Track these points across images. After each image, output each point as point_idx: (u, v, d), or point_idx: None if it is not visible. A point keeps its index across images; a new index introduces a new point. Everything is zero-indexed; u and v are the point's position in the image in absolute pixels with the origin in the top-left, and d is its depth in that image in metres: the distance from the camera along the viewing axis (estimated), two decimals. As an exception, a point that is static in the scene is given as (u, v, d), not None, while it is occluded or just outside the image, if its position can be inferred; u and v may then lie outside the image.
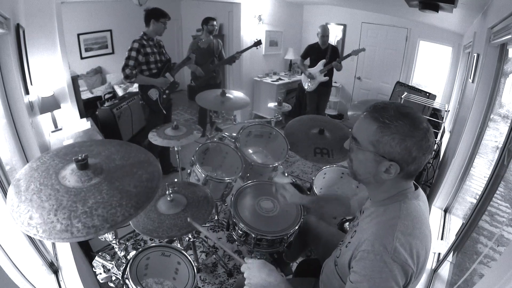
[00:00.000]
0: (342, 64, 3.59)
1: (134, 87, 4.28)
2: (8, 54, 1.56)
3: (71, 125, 2.54)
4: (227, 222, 1.47)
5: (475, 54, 2.08)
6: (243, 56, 3.64)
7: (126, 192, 0.86)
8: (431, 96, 3.67)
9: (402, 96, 3.17)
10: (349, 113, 2.40)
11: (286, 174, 2.59)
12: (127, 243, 2.19)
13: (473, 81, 2.04)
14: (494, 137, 2.03)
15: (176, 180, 1.73)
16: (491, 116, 1.92)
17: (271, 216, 1.41)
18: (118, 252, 1.18)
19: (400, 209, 0.77)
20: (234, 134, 2.08)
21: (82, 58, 4.68)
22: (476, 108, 1.91)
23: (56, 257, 1.50)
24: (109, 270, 1.19)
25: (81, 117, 2.78)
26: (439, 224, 2.14)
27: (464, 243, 1.61)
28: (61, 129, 2.48)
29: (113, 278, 1.21)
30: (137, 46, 2.45)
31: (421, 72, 4.30)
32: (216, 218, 2.36)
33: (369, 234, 0.76)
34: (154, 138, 1.92)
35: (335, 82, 4.62)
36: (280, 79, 4.76)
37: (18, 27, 1.74)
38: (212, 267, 2.06)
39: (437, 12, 2.38)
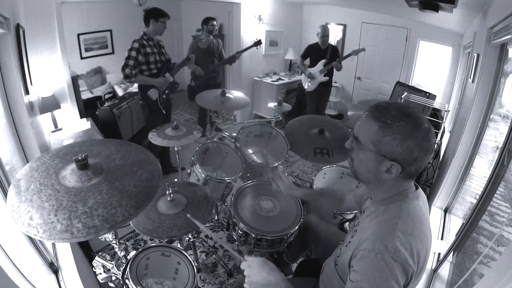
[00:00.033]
0: (342, 64, 3.59)
1: (134, 87, 4.28)
2: (8, 54, 1.56)
3: (71, 125, 2.54)
4: (227, 222, 1.47)
5: (475, 54, 2.08)
6: (243, 56, 3.63)
7: (126, 192, 0.86)
8: (431, 96, 3.67)
9: (402, 96, 3.17)
10: (349, 113, 2.41)
11: (286, 174, 2.58)
12: (127, 243, 2.19)
13: (473, 81, 2.04)
14: (494, 137, 2.03)
15: (176, 180, 1.73)
16: (491, 116, 1.92)
17: (271, 216, 1.41)
18: (118, 252, 1.18)
19: (401, 208, 0.77)
20: (234, 134, 2.08)
21: (82, 58, 4.68)
22: (476, 108, 1.91)
23: (56, 257, 1.50)
24: (109, 270, 1.19)
25: (81, 117, 2.78)
26: (439, 224, 2.14)
27: (464, 243, 1.61)
28: (61, 129, 2.48)
29: (113, 278, 1.21)
30: (137, 46, 2.45)
31: (421, 72, 4.30)
32: (216, 218, 2.36)
33: (370, 233, 0.76)
34: (154, 138, 1.92)
35: (335, 82, 4.62)
36: (280, 79, 4.76)
37: (18, 27, 1.74)
38: (212, 267, 2.06)
39: (437, 12, 2.38)
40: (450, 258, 1.64)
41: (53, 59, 2.40)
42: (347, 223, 1.60)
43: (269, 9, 4.51)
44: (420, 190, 0.84)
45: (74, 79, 2.79)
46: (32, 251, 1.30)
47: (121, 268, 1.17)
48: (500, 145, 1.52)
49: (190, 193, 1.49)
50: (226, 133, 2.21)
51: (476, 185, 2.09)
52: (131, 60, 2.44)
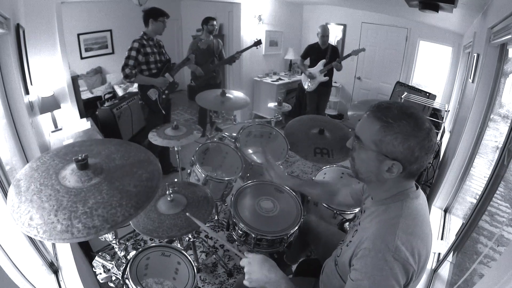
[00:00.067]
0: (342, 64, 3.59)
1: (134, 87, 4.28)
2: (8, 54, 1.56)
3: (71, 125, 2.54)
4: (227, 222, 1.47)
5: (475, 54, 2.08)
6: (243, 56, 3.64)
7: (126, 192, 0.86)
8: (431, 96, 3.67)
9: (402, 96, 3.17)
10: (349, 113, 2.40)
11: (286, 174, 2.58)
12: (127, 243, 2.19)
13: (473, 81, 2.04)
14: (494, 137, 2.03)
15: (176, 180, 1.73)
16: (491, 116, 1.92)
17: (271, 216, 1.41)
18: (118, 252, 1.18)
19: (402, 208, 0.77)
20: (234, 134, 2.08)
21: (82, 58, 4.68)
22: (476, 108, 1.91)
23: (56, 257, 1.50)
24: (109, 270, 1.19)
25: (81, 117, 2.78)
26: (439, 224, 2.14)
27: (464, 243, 1.61)
28: (61, 129, 2.48)
29: (113, 278, 1.21)
30: (137, 46, 2.45)
31: (421, 72, 4.30)
32: (216, 218, 2.36)
33: (371, 233, 0.76)
34: (154, 138, 1.92)
35: (335, 82, 4.62)
36: (280, 79, 4.76)
37: (18, 27, 1.74)
38: (212, 267, 2.06)
39: (437, 12, 2.38)
40: (450, 258, 1.64)
41: (53, 59, 2.40)
42: (347, 223, 1.60)
43: (269, 9, 4.51)
44: (420, 189, 0.85)
45: (74, 79, 2.79)
46: (32, 251, 1.30)
47: (121, 268, 1.17)
48: (500, 145, 1.52)
49: (190, 193, 1.49)
50: (226, 133, 2.21)
51: (476, 185, 2.09)
52: (131, 60, 2.44)
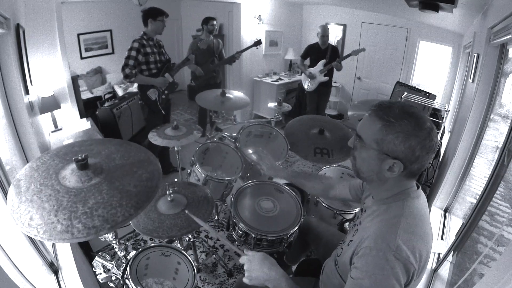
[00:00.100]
0: (342, 64, 3.59)
1: (134, 87, 4.28)
2: (8, 54, 1.56)
3: (71, 125, 2.54)
4: (227, 222, 1.47)
5: (475, 54, 2.08)
6: (243, 56, 3.64)
7: (126, 192, 0.86)
8: (431, 96, 3.67)
9: (402, 96, 3.17)
10: (349, 113, 2.40)
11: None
12: (127, 243, 2.20)
13: (473, 81, 2.04)
14: (494, 137, 2.03)
15: (176, 180, 1.73)
16: (491, 116, 1.92)
17: (271, 216, 1.41)
18: (118, 252, 1.18)
19: (403, 207, 0.77)
20: (234, 134, 2.08)
21: (82, 58, 4.68)
22: (476, 108, 1.91)
23: (56, 257, 1.50)
24: (109, 270, 1.19)
25: (81, 117, 2.78)
26: (439, 224, 2.14)
27: (464, 243, 1.61)
28: (61, 129, 2.48)
29: (113, 278, 1.21)
30: (137, 46, 2.45)
31: (421, 72, 4.29)
32: (216, 218, 2.36)
33: (372, 232, 0.76)
34: (154, 138, 1.92)
35: (335, 82, 4.62)
36: (280, 79, 4.76)
37: (18, 27, 1.74)
38: (212, 267, 2.06)
39: (437, 12, 2.37)
40: (450, 258, 1.64)
41: (53, 59, 2.40)
42: (347, 223, 1.60)
43: (269, 9, 4.51)
44: (421, 189, 0.85)
45: (74, 79, 2.79)
46: (32, 251, 1.30)
47: (121, 268, 1.17)
48: (500, 145, 1.52)
49: (190, 193, 1.49)
50: (226, 133, 2.21)
51: (476, 185, 2.09)
52: (131, 59, 2.44)
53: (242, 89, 4.32)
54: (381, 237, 0.72)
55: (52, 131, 2.43)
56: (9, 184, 1.13)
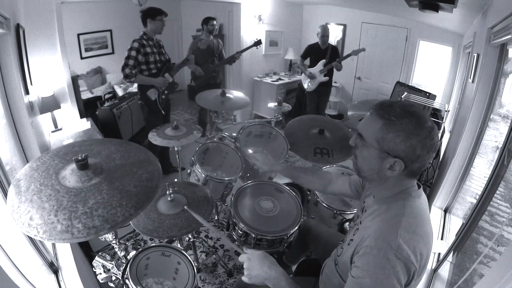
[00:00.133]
0: (342, 64, 3.59)
1: (134, 87, 4.28)
2: (8, 54, 1.56)
3: (71, 125, 2.54)
4: (227, 222, 1.47)
5: (475, 54, 2.08)
6: (243, 56, 3.63)
7: (126, 192, 0.86)
8: (431, 96, 3.67)
9: (402, 96, 3.17)
10: (349, 113, 2.40)
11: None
12: (127, 243, 2.20)
13: (473, 81, 2.04)
14: (494, 137, 2.03)
15: (176, 180, 1.73)
16: (491, 116, 1.92)
17: (271, 216, 1.41)
18: (118, 252, 1.18)
19: (404, 206, 0.77)
20: (234, 134, 2.08)
21: (82, 58, 4.69)
22: (476, 108, 1.91)
23: (56, 257, 1.50)
24: (109, 270, 1.19)
25: (81, 117, 2.78)
26: (439, 224, 2.14)
27: (464, 243, 1.61)
28: (61, 129, 2.48)
29: (113, 278, 1.21)
30: (137, 46, 2.45)
31: (421, 72, 4.29)
32: (216, 218, 2.36)
33: (373, 231, 0.76)
34: (154, 138, 1.92)
35: (335, 82, 4.62)
36: (280, 79, 4.76)
37: (18, 27, 1.74)
38: (212, 267, 2.06)
39: (437, 12, 2.37)
40: (450, 258, 1.64)
41: (53, 59, 2.40)
42: (347, 223, 1.60)
43: (269, 9, 4.51)
44: (422, 189, 0.85)
45: (74, 79, 2.79)
46: (32, 251, 1.30)
47: (121, 268, 1.17)
48: (500, 145, 1.52)
49: (190, 193, 1.49)
50: (226, 133, 2.21)
51: (476, 185, 2.09)
52: (131, 59, 2.44)
53: (242, 89, 4.32)
54: (382, 236, 0.73)
55: (52, 131, 2.43)
56: (9, 184, 1.13)
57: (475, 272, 1.36)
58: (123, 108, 3.43)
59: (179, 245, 1.70)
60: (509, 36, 1.38)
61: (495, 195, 1.47)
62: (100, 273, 1.20)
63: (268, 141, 2.16)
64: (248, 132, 2.12)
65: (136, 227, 1.28)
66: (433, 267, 1.69)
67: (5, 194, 1.12)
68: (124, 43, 2.95)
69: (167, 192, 1.39)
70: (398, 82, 4.10)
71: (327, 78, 3.69)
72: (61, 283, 1.36)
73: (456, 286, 1.41)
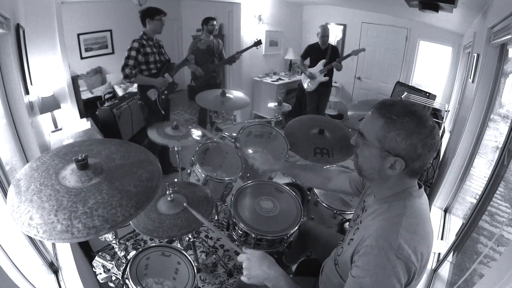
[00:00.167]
0: (342, 64, 3.59)
1: (134, 87, 4.28)
2: (8, 54, 1.56)
3: (71, 125, 2.54)
4: (227, 222, 1.47)
5: (475, 54, 2.08)
6: (243, 56, 3.63)
7: (126, 192, 0.86)
8: (431, 96, 3.67)
9: (402, 96, 3.17)
10: (349, 113, 2.40)
11: (285, 174, 2.57)
12: (127, 243, 2.20)
13: (473, 81, 2.04)
14: (494, 137, 2.03)
15: (176, 180, 1.73)
16: (491, 116, 1.92)
17: (271, 216, 1.41)
18: (118, 252, 1.18)
19: (405, 206, 0.77)
20: (234, 134, 2.08)
21: (82, 58, 4.68)
22: (476, 108, 1.91)
23: (56, 257, 1.50)
24: (109, 270, 1.19)
25: (81, 117, 2.78)
26: (439, 224, 2.14)
27: (464, 243, 1.61)
28: (61, 129, 2.48)
29: (113, 278, 1.21)
30: (137, 46, 2.45)
31: (421, 72, 4.29)
32: (216, 218, 2.36)
33: (373, 230, 0.76)
34: (153, 134, 1.90)
35: (335, 82, 4.62)
36: (280, 79, 4.76)
37: (18, 27, 1.74)
38: (212, 267, 2.06)
39: (437, 12, 2.37)
40: (450, 258, 1.64)
41: (53, 59, 2.40)
42: (347, 223, 1.60)
43: (269, 9, 4.51)
44: (422, 189, 0.85)
45: (74, 79, 2.79)
46: (32, 251, 1.30)
47: (121, 268, 1.17)
48: (500, 145, 1.52)
49: (190, 193, 1.49)
50: (226, 133, 2.21)
51: (476, 185, 2.09)
52: (131, 60, 2.43)
53: (242, 89, 4.31)
54: (383, 236, 0.72)
55: (52, 131, 2.43)
56: (9, 184, 1.13)
57: (475, 272, 1.36)
58: (123, 108, 3.43)
59: (179, 245, 1.70)
60: (509, 36, 1.38)
61: (495, 195, 1.47)
62: (100, 273, 1.20)
63: (268, 141, 2.16)
64: (248, 132, 2.12)
65: (136, 227, 1.28)
66: (433, 267, 1.69)
67: (5, 194, 1.12)
68: (124, 43, 2.95)
69: (167, 192, 1.39)
70: (398, 82, 4.10)
71: (327, 78, 3.69)
72: (61, 283, 1.36)
73: (456, 286, 1.41)
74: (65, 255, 1.50)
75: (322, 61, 3.64)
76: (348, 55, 3.57)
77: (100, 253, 1.21)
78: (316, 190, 1.75)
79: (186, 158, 2.20)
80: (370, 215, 0.85)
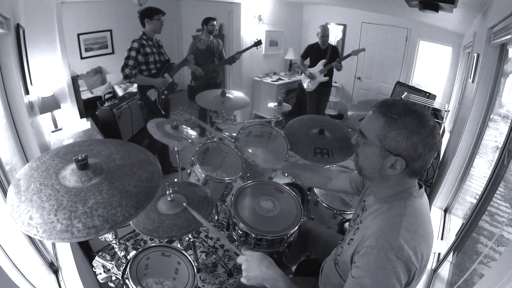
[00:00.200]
0: (342, 64, 3.59)
1: (134, 87, 4.27)
2: (8, 54, 1.56)
3: (71, 125, 2.54)
4: (227, 222, 1.47)
5: (475, 54, 2.08)
6: (243, 56, 3.63)
7: (126, 192, 0.86)
8: (431, 96, 3.67)
9: (402, 96, 3.17)
10: (349, 113, 2.40)
11: (286, 174, 2.58)
12: (127, 243, 2.20)
13: (473, 81, 2.04)
14: (494, 137, 2.03)
15: (176, 180, 1.73)
16: (491, 116, 1.92)
17: (271, 216, 1.41)
18: (118, 252, 1.18)
19: (406, 206, 0.77)
20: (234, 134, 2.08)
21: (82, 58, 4.68)
22: (476, 108, 1.91)
23: (56, 257, 1.50)
24: (109, 270, 1.19)
25: (81, 117, 2.78)
26: (439, 224, 2.14)
27: (464, 243, 1.61)
28: (61, 129, 2.48)
29: (113, 278, 1.21)
30: (137, 46, 2.45)
31: (421, 72, 4.30)
32: (216, 218, 2.36)
33: (374, 230, 0.76)
34: (153, 130, 1.88)
35: (335, 82, 4.62)
36: (280, 79, 4.76)
37: (18, 27, 1.74)
38: (212, 267, 2.06)
39: (437, 12, 2.37)
40: (450, 258, 1.64)
41: (53, 59, 2.40)
42: (347, 223, 1.60)
43: (269, 9, 4.51)
44: (423, 189, 0.85)
45: (74, 79, 2.79)
46: (32, 251, 1.30)
47: (121, 268, 1.17)
48: (500, 145, 1.52)
49: (190, 193, 1.49)
50: (226, 133, 2.21)
51: (476, 185, 2.09)
52: (130, 60, 2.43)
53: (242, 89, 4.31)
54: (383, 236, 0.72)
55: (52, 131, 2.43)
56: (9, 184, 1.13)
57: (475, 272, 1.36)
58: (123, 108, 3.43)
59: (179, 245, 1.70)
60: (509, 36, 1.38)
61: (495, 195, 1.47)
62: (100, 273, 1.20)
63: (268, 141, 2.16)
64: (248, 132, 2.12)
65: (136, 227, 1.28)
66: (433, 267, 1.69)
67: (5, 194, 1.12)
68: (124, 43, 2.95)
69: (167, 192, 1.39)
70: (398, 82, 4.10)
71: (327, 78, 3.69)
72: (61, 283, 1.36)
73: (456, 286, 1.41)
74: (65, 255, 1.50)
75: (322, 61, 3.64)
76: (348, 55, 3.57)
77: (100, 253, 1.21)
78: (316, 190, 1.75)
79: (186, 158, 2.19)
80: (370, 215, 0.85)
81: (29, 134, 1.68)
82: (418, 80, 4.34)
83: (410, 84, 4.08)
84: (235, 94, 2.45)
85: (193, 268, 1.22)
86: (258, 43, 3.42)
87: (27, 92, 1.87)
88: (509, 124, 1.40)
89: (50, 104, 2.34)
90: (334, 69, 3.64)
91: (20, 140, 1.60)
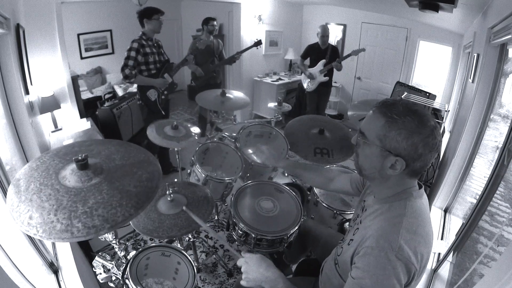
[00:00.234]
0: (342, 64, 3.59)
1: (134, 87, 4.27)
2: (8, 54, 1.56)
3: (71, 125, 2.54)
4: (227, 222, 1.47)
5: (475, 54, 2.08)
6: (243, 56, 3.63)
7: (126, 192, 0.86)
8: (431, 96, 3.67)
9: (402, 96, 3.17)
10: (349, 113, 2.40)
11: (286, 174, 2.58)
12: (127, 243, 2.20)
13: (473, 81, 2.04)
14: (494, 137, 2.03)
15: (176, 180, 1.73)
16: (491, 116, 1.92)
17: (271, 216, 1.41)
18: (118, 252, 1.18)
19: (406, 206, 0.77)
20: (234, 134, 2.08)
21: (82, 58, 4.69)
22: (476, 108, 1.91)
23: (56, 257, 1.50)
24: (109, 270, 1.19)
25: (81, 117, 2.78)
26: (439, 224, 2.14)
27: (464, 243, 1.61)
28: (61, 129, 2.48)
29: (113, 278, 1.21)
30: (137, 46, 2.45)
31: (421, 72, 4.30)
32: (216, 218, 2.36)
33: (374, 231, 0.76)
34: (152, 134, 1.89)
35: (335, 82, 4.62)
36: (280, 79, 4.76)
37: (18, 27, 1.74)
38: (212, 267, 2.06)
39: (437, 12, 2.37)
40: (450, 258, 1.64)
41: (53, 59, 2.40)
42: (347, 223, 1.60)
43: (269, 9, 4.51)
44: (423, 189, 0.85)
45: (74, 79, 2.79)
46: (32, 251, 1.30)
47: (121, 268, 1.17)
48: (500, 145, 1.52)
49: (190, 193, 1.49)
50: (226, 133, 2.21)
51: (476, 185, 2.09)
52: (130, 60, 2.43)
53: (242, 89, 4.31)
54: (383, 237, 0.72)
55: (52, 131, 2.43)
56: (9, 184, 1.13)
57: (475, 272, 1.36)
58: (123, 108, 3.43)
59: (179, 245, 1.70)
60: (509, 36, 1.38)
61: (495, 195, 1.47)
62: (100, 273, 1.20)
63: (268, 141, 2.16)
64: (248, 132, 2.12)
65: (136, 227, 1.28)
66: (433, 267, 1.69)
67: (5, 193, 1.12)
68: (124, 43, 2.95)
69: (167, 192, 1.39)
70: (398, 82, 4.10)
71: (327, 78, 3.69)
72: (61, 283, 1.36)
73: (456, 286, 1.41)
74: (65, 255, 1.50)
75: (322, 61, 3.64)
76: (348, 55, 3.57)
77: (100, 253, 1.21)
78: (316, 190, 1.75)
79: (186, 158, 2.20)
80: (371, 215, 0.84)
81: (29, 134, 1.68)
82: (418, 80, 4.34)
83: (410, 84, 4.08)
84: (235, 94, 2.45)
85: (193, 268, 1.22)
86: (258, 43, 3.42)
87: (27, 92, 1.87)
88: (509, 124, 1.40)
89: (50, 104, 2.34)
90: (334, 69, 3.64)
91: (20, 140, 1.60)
